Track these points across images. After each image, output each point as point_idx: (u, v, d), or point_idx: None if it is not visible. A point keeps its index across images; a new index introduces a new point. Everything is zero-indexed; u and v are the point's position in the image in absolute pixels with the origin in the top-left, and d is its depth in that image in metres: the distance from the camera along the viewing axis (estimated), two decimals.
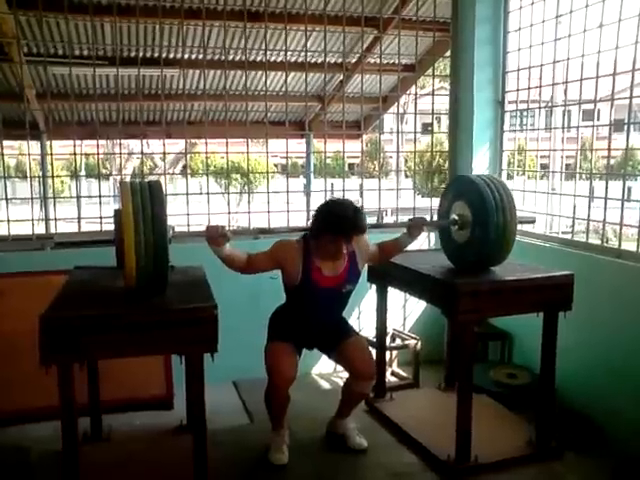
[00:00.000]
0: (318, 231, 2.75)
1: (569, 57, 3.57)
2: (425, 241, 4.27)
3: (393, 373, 4.02)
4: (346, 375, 3.08)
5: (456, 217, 2.93)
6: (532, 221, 3.46)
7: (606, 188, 3.33)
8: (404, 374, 4.01)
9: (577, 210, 3.73)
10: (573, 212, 3.67)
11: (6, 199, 3.67)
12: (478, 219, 2.79)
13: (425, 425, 3.21)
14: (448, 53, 4.52)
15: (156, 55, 5.78)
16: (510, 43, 4.11)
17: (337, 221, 2.68)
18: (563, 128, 3.83)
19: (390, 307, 3.60)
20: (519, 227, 3.96)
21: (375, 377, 3.10)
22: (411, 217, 3.12)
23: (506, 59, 4.14)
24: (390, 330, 3.92)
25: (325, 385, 3.99)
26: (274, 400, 2.90)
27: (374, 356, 3.28)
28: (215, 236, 2.64)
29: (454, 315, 2.73)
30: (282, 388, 2.82)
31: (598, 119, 3.61)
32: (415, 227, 2.93)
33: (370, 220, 4.46)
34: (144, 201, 2.24)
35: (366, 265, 3.13)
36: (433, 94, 4.33)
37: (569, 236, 3.72)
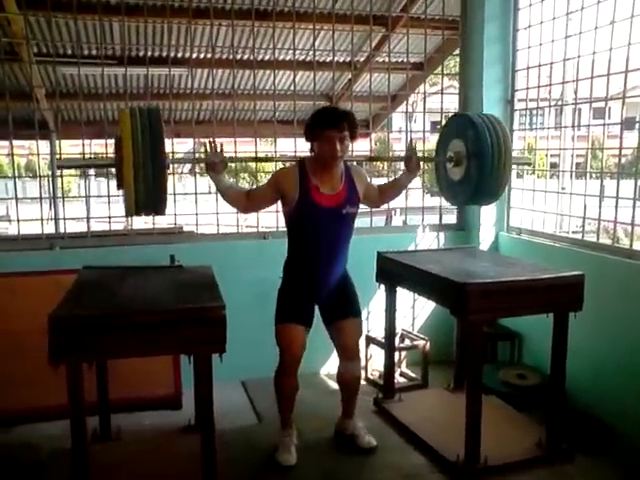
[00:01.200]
0: (309, 133, 2.79)
1: (580, 55, 3.54)
2: (435, 241, 4.25)
3: (402, 374, 4.00)
4: None
5: (452, 154, 2.96)
6: (528, 163, 3.53)
7: (617, 187, 3.29)
8: (413, 374, 3.99)
9: (587, 209, 3.70)
10: (584, 212, 3.63)
11: (16, 199, 3.68)
12: (473, 155, 2.83)
13: (434, 426, 3.20)
14: (457, 51, 4.50)
15: (164, 54, 5.79)
16: (520, 41, 4.08)
17: (322, 113, 2.80)
18: (573, 127, 3.79)
19: (399, 307, 3.58)
20: (528, 227, 4.00)
21: (359, 357, 3.09)
22: (407, 155, 3.10)
23: (516, 57, 4.11)
24: (399, 330, 3.91)
25: (333, 385, 3.95)
26: (283, 384, 2.93)
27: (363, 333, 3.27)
28: (214, 160, 2.72)
29: (464, 315, 2.71)
30: (292, 363, 2.88)
31: (609, 117, 3.57)
32: (412, 161, 2.99)
33: (378, 220, 4.47)
34: (143, 124, 2.33)
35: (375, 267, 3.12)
36: (442, 93, 4.30)
37: (579, 236, 3.69)
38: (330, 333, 3.03)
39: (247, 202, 2.86)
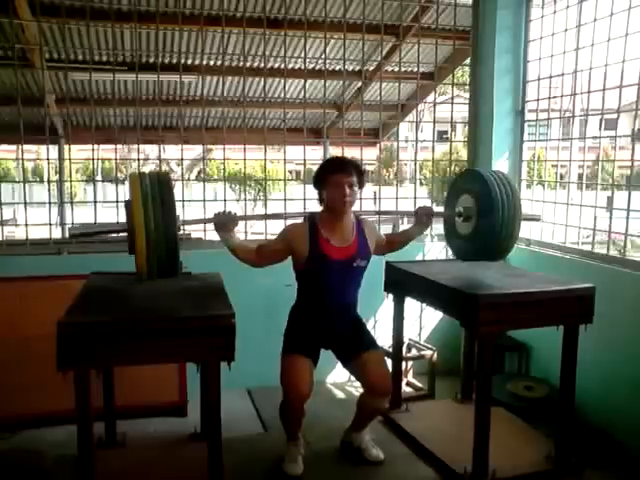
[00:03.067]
0: (318, 181, 2.81)
1: (591, 67, 3.53)
2: (443, 251, 4.24)
3: (408, 383, 3.98)
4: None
5: (461, 209, 2.94)
6: (537, 219, 3.49)
7: (629, 199, 3.27)
8: (419, 384, 3.96)
9: (594, 220, 3.68)
10: (594, 224, 3.61)
11: (24, 203, 3.69)
12: (483, 211, 2.80)
13: (441, 437, 3.17)
14: (467, 61, 4.50)
15: (175, 61, 5.82)
16: (531, 52, 4.07)
17: (331, 161, 2.89)
18: (584, 138, 3.78)
19: (406, 317, 3.56)
20: (537, 238, 3.98)
21: (390, 393, 3.03)
22: (420, 207, 3.11)
23: (526, 68, 4.10)
24: (406, 340, 3.89)
25: (340, 394, 3.95)
26: (289, 414, 2.86)
27: (390, 368, 3.23)
28: (224, 220, 2.70)
29: (474, 327, 2.69)
30: (297, 405, 2.78)
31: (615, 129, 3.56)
32: (423, 215, 3.01)
33: (386, 228, 4.46)
34: (153, 189, 2.30)
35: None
36: (452, 102, 4.30)
37: (589, 247, 3.66)
38: (352, 370, 2.98)
39: (257, 258, 2.83)
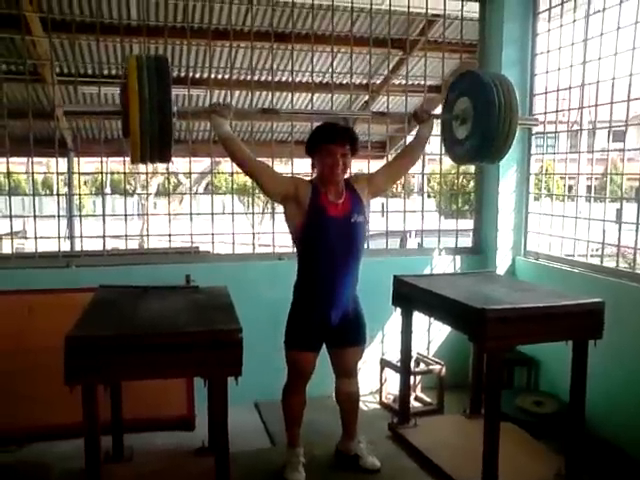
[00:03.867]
0: (310, 147, 2.82)
1: (599, 80, 3.52)
2: (451, 264, 4.22)
3: (417, 398, 3.95)
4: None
5: (459, 112, 2.94)
6: (535, 124, 3.49)
7: (638, 212, 3.25)
8: (428, 399, 3.94)
9: (601, 233, 3.66)
10: (602, 237, 3.59)
11: (34, 216, 3.71)
12: (479, 111, 2.80)
13: (450, 452, 3.14)
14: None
15: (183, 75, 5.86)
16: (538, 65, 4.07)
17: (324, 128, 2.83)
18: (593, 152, 3.77)
19: (414, 331, 3.54)
20: (546, 251, 3.97)
21: (356, 375, 3.08)
22: (418, 109, 3.08)
23: (534, 81, 4.10)
24: (414, 354, 3.86)
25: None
26: (291, 401, 2.94)
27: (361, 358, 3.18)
28: (219, 107, 2.69)
29: (482, 342, 2.67)
30: (301, 381, 2.91)
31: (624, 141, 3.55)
32: (422, 113, 2.97)
33: (393, 242, 4.45)
34: (150, 72, 2.32)
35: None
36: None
37: (598, 261, 3.64)
38: (332, 355, 3.01)
39: (252, 163, 2.76)
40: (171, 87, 2.37)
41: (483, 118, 2.78)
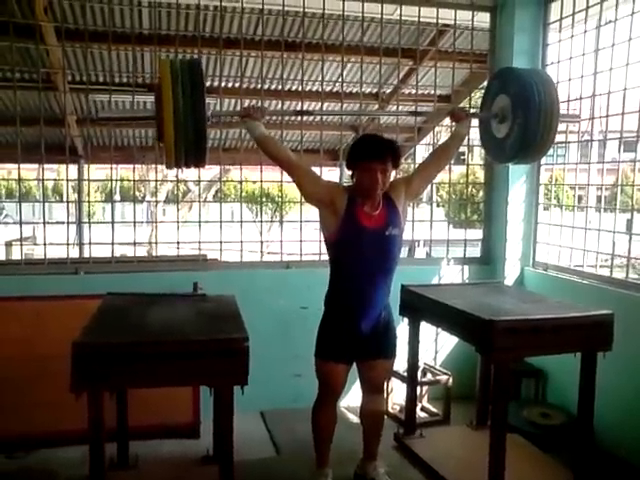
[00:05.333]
0: (351, 162, 2.70)
1: (610, 90, 3.51)
2: (459, 274, 4.21)
3: (423, 408, 3.92)
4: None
5: (497, 110, 2.90)
6: (576, 120, 3.39)
7: None
8: (434, 410, 3.91)
9: (612, 244, 3.63)
10: (612, 249, 3.56)
11: (44, 223, 3.73)
12: (520, 109, 2.74)
13: (456, 464, 3.12)
14: (484, 84, 4.50)
15: None
16: None
17: (366, 142, 2.72)
18: (603, 162, 3.75)
19: (421, 341, 3.52)
20: (555, 262, 3.94)
21: (383, 392, 3.03)
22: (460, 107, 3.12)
23: None
24: (421, 364, 3.84)
25: (354, 418, 3.91)
26: (321, 415, 2.85)
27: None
28: (252, 110, 2.65)
29: (490, 353, 2.65)
30: (331, 398, 2.82)
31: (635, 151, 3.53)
32: (460, 113, 2.94)
33: (402, 252, 4.44)
34: (183, 76, 2.29)
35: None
36: (469, 125, 4.29)
37: (607, 272, 3.61)
38: (360, 368, 2.88)
39: (290, 161, 2.72)
40: (205, 90, 2.36)
41: (523, 115, 2.72)
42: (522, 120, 2.74)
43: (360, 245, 2.67)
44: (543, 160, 4.14)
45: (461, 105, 5.16)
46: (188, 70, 2.36)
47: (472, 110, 3.13)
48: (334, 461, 3.00)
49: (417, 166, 3.07)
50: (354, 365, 2.87)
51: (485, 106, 3.08)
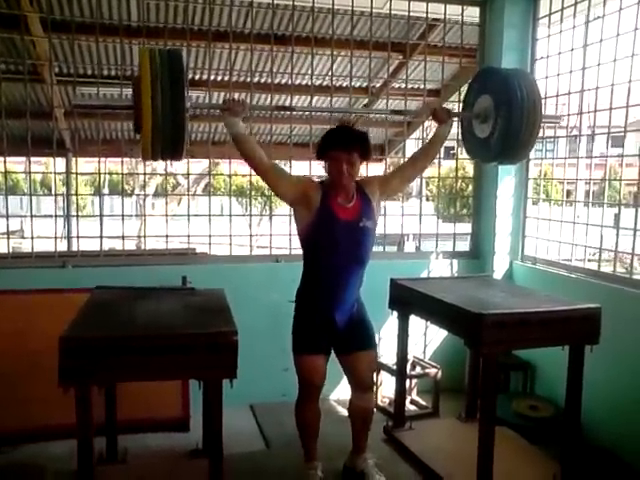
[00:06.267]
0: (320, 151, 2.74)
1: (598, 86, 3.53)
2: (448, 268, 4.22)
3: (412, 401, 3.94)
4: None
5: (479, 110, 2.88)
6: (558, 121, 3.38)
7: (636, 217, 3.26)
8: (423, 403, 3.93)
9: (600, 238, 3.66)
10: (600, 243, 3.59)
11: (31, 216, 3.71)
12: (502, 108, 2.72)
13: (445, 456, 3.14)
14: None
15: None
16: (537, 71, 4.08)
17: (334, 132, 2.74)
18: (591, 157, 3.77)
19: (411, 334, 3.53)
20: (544, 256, 3.97)
21: (372, 389, 3.05)
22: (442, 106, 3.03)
23: None
24: (410, 358, 3.86)
25: (343, 412, 3.91)
26: (304, 412, 2.86)
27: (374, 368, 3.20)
28: (233, 104, 2.60)
29: (479, 347, 2.66)
30: (312, 395, 2.83)
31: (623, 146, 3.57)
32: (442, 113, 2.92)
33: (390, 246, 4.46)
34: (163, 66, 2.23)
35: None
36: (459, 120, 4.30)
37: (595, 266, 3.64)
38: (343, 363, 2.91)
39: (265, 165, 2.71)
40: (185, 81, 2.30)
41: (506, 116, 2.70)
42: (504, 119, 2.72)
43: (335, 236, 2.72)
44: (532, 155, 4.16)
45: (452, 99, 5.18)
46: (168, 60, 2.29)
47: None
48: (324, 455, 3.02)
49: (397, 167, 3.09)
50: (337, 360, 2.90)
51: (467, 106, 3.06)
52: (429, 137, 3.08)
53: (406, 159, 3.14)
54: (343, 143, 2.67)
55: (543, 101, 3.95)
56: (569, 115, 3.98)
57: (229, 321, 2.36)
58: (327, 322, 2.79)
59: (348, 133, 2.74)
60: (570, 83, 3.79)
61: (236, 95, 3.67)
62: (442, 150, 4.77)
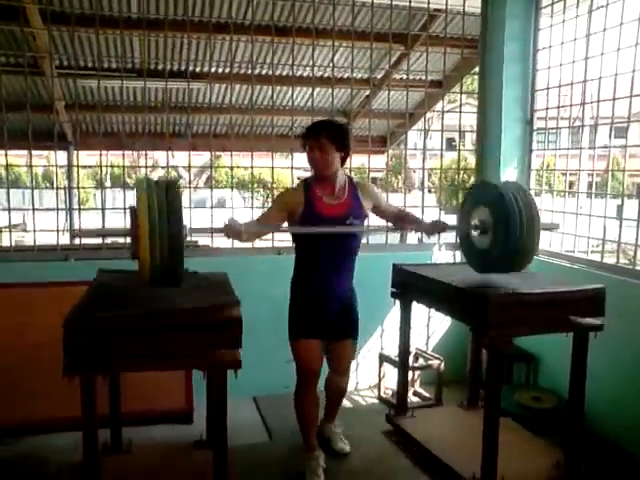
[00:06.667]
0: (302, 145, 2.89)
1: (601, 76, 3.51)
2: (450, 260, 4.21)
3: (415, 393, 3.95)
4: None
5: (477, 222, 2.86)
6: (556, 227, 3.42)
7: (639, 209, 3.24)
8: (426, 394, 3.93)
9: (603, 229, 3.65)
10: (603, 234, 3.58)
11: (33, 210, 3.70)
12: (499, 221, 2.71)
13: (447, 444, 3.13)
14: (476, 69, 4.49)
15: (183, 68, 5.85)
16: (540, 61, 4.06)
17: (308, 126, 2.90)
18: (594, 148, 3.75)
19: (413, 326, 3.53)
20: (546, 247, 3.96)
21: (349, 373, 3.20)
22: (436, 220, 3.08)
23: (535, 77, 4.09)
24: (413, 349, 3.86)
25: (347, 404, 3.93)
26: (303, 400, 2.94)
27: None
28: (232, 234, 2.69)
29: (484, 330, 2.61)
30: (311, 380, 2.92)
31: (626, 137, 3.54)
32: (436, 230, 2.98)
33: (393, 238, 4.44)
34: (160, 196, 2.22)
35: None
36: (460, 111, 4.29)
37: (598, 257, 3.63)
38: (330, 348, 3.04)
39: (267, 227, 2.93)
40: (182, 215, 2.26)
41: (504, 232, 2.66)
42: (503, 234, 2.67)
43: (323, 235, 2.82)
44: (534, 146, 4.15)
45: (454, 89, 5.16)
46: (165, 193, 2.26)
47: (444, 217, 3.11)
48: (296, 427, 3.10)
49: (388, 205, 3.18)
50: None
51: (464, 216, 2.99)
52: (414, 219, 3.13)
53: (396, 209, 3.21)
54: (310, 131, 2.85)
55: (544, 92, 3.99)
56: (571, 105, 3.96)
57: (231, 294, 2.37)
58: (320, 310, 2.92)
59: (317, 123, 2.92)
60: (573, 73, 3.77)
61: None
62: (444, 142, 4.78)
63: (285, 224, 2.91)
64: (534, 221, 2.65)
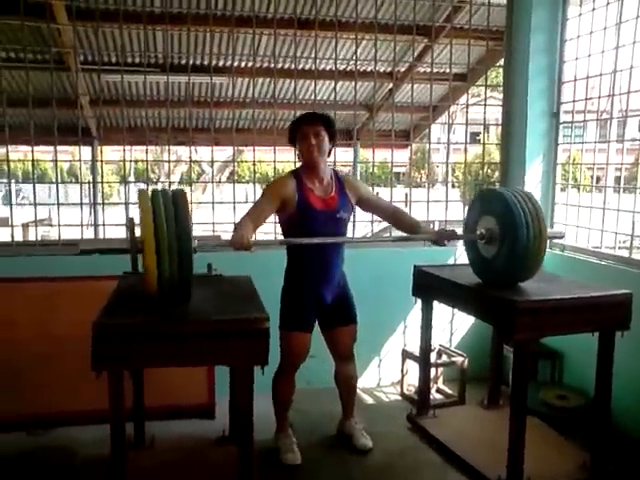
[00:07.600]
0: (291, 137, 2.99)
1: (632, 66, 3.42)
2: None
3: (438, 390, 3.91)
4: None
5: (483, 231, 2.84)
6: (561, 236, 3.37)
7: None
8: (449, 391, 3.89)
9: (632, 225, 3.57)
10: (632, 229, 3.50)
11: (57, 204, 3.74)
12: (506, 233, 2.69)
13: (471, 444, 3.10)
14: (501, 62, 4.41)
15: (206, 63, 5.86)
16: (567, 52, 3.97)
17: (299, 116, 3.01)
18: (623, 141, 3.67)
19: (437, 322, 3.49)
20: (572, 243, 3.88)
21: (354, 358, 3.21)
22: (444, 228, 3.09)
23: (562, 69, 4.00)
24: (436, 346, 3.82)
25: (369, 400, 3.92)
26: (283, 385, 3.04)
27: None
28: (240, 248, 2.67)
29: (511, 334, 2.60)
30: (293, 370, 3.01)
31: None
32: (443, 239, 2.95)
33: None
34: (167, 208, 2.19)
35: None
36: (485, 104, 4.22)
37: (626, 253, 3.55)
38: (327, 336, 3.12)
39: (265, 211, 2.90)
40: (191, 228, 2.25)
41: (511, 241, 2.65)
42: (510, 244, 2.66)
43: (314, 226, 2.88)
44: (560, 139, 4.07)
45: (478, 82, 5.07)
46: (173, 203, 2.22)
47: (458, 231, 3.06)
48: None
49: (380, 200, 3.27)
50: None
51: (470, 224, 2.98)
52: (411, 222, 3.12)
53: (391, 206, 3.27)
54: (307, 118, 2.96)
55: (571, 84, 3.90)
56: (600, 98, 3.87)
57: (260, 308, 2.35)
58: (315, 298, 3.00)
59: (311, 112, 3.09)
60: (602, 64, 3.68)
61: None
62: (468, 136, 4.71)
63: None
64: (542, 236, 2.65)
